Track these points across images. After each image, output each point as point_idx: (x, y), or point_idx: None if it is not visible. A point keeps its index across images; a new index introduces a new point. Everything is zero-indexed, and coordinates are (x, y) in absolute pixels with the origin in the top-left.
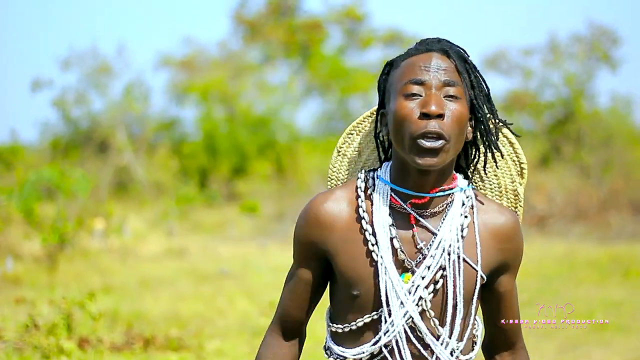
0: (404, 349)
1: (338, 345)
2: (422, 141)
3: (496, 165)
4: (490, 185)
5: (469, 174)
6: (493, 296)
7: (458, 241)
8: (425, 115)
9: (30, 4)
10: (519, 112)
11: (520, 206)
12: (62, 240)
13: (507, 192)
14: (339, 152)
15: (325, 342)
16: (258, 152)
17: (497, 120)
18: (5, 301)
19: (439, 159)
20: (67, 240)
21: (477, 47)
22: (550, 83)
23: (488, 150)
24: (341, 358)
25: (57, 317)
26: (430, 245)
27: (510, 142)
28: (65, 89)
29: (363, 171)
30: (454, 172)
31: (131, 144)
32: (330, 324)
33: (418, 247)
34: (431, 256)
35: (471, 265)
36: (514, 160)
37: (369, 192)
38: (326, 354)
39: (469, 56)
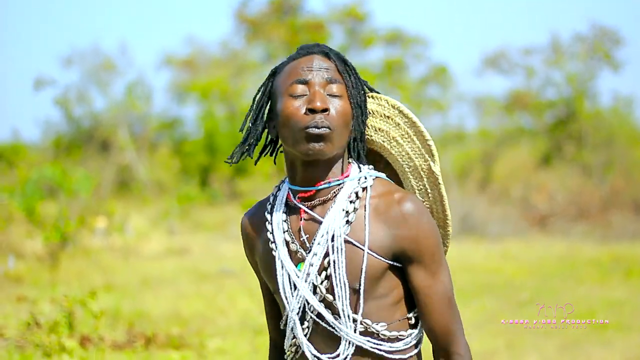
0: (298, 335)
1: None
2: (311, 129)
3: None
4: (409, 167)
5: (361, 164)
6: (413, 292)
7: (342, 226)
8: (311, 111)
9: (33, 3)
10: (520, 111)
11: (440, 183)
12: (63, 239)
13: (423, 172)
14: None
15: None
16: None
17: (364, 124)
18: (7, 299)
19: (326, 146)
20: (69, 239)
21: (478, 47)
22: (552, 82)
23: (360, 141)
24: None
25: (58, 315)
26: (317, 232)
27: (412, 122)
28: (67, 88)
29: (279, 183)
30: (352, 162)
31: (133, 142)
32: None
33: (306, 237)
34: (318, 243)
35: (359, 247)
36: (419, 139)
37: (277, 195)
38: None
39: (347, 59)
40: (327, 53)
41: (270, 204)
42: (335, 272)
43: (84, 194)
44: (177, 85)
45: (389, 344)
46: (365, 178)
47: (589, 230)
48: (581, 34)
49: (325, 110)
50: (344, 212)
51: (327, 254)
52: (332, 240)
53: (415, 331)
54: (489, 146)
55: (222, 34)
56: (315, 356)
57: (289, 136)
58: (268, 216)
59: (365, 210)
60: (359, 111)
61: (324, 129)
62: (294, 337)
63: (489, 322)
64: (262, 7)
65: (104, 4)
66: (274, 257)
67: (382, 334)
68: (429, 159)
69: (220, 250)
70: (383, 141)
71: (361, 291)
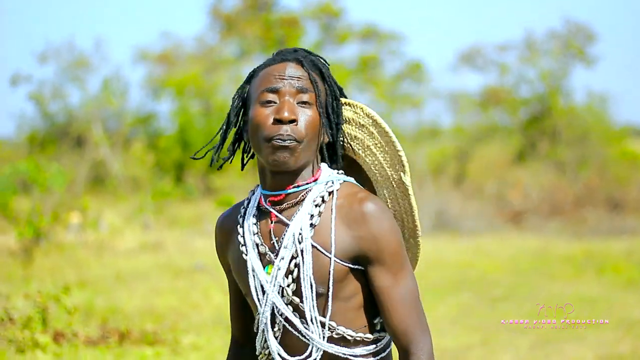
0: (269, 339)
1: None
2: (276, 141)
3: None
4: (382, 177)
5: (336, 169)
6: (375, 294)
7: (306, 230)
8: (279, 121)
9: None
10: (495, 108)
11: (410, 195)
12: (37, 234)
13: (394, 182)
14: None
15: None
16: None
17: (338, 131)
18: None
19: (292, 158)
20: (43, 235)
21: (453, 43)
22: (526, 79)
23: (336, 147)
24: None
25: (32, 311)
26: (284, 236)
27: (384, 132)
28: (41, 83)
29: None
30: (322, 167)
31: (107, 138)
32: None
33: (275, 240)
34: (284, 247)
35: (322, 252)
36: (391, 150)
37: (251, 199)
38: None
39: (325, 64)
40: (300, 60)
41: (244, 207)
42: (301, 275)
43: (57, 190)
44: (152, 80)
45: (354, 348)
46: (333, 182)
47: (562, 226)
48: (555, 31)
49: (293, 121)
50: (309, 215)
51: (293, 257)
52: (299, 243)
53: (383, 335)
54: (464, 142)
55: (197, 30)
56: (283, 358)
57: (256, 144)
58: (240, 219)
59: (331, 214)
60: (330, 118)
61: (290, 141)
62: (266, 340)
63: (464, 318)
64: (236, 2)
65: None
66: (244, 260)
67: (347, 336)
68: (400, 169)
69: (194, 246)
70: (358, 149)
71: (329, 294)
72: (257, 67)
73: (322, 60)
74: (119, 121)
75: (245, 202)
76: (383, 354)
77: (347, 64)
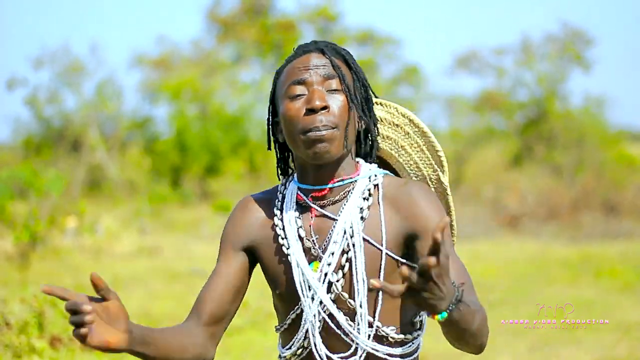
0: (314, 338)
1: (282, 347)
2: (312, 133)
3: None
4: (416, 177)
5: (370, 161)
6: None
7: (357, 223)
8: (311, 111)
9: (4, 3)
10: (491, 111)
11: (448, 194)
12: (34, 239)
13: (432, 182)
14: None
15: None
16: (231, 151)
17: (370, 114)
18: None
19: (332, 147)
20: (39, 239)
21: (449, 47)
22: (522, 83)
23: (366, 136)
24: (283, 358)
25: (28, 316)
26: (332, 231)
27: (422, 132)
28: (37, 87)
29: (285, 178)
30: (359, 161)
31: (104, 142)
32: (276, 328)
33: (316, 237)
34: (334, 242)
35: (375, 245)
36: (429, 150)
37: (284, 193)
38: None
39: (348, 52)
40: (322, 49)
41: (279, 200)
42: (353, 270)
43: (55, 194)
44: (148, 84)
45: (395, 348)
46: (376, 175)
47: (559, 230)
48: (552, 34)
49: (325, 108)
50: (359, 209)
51: (342, 253)
52: (351, 237)
53: (420, 334)
54: (460, 146)
55: (193, 34)
56: (328, 357)
57: (292, 140)
58: (277, 212)
59: (379, 206)
60: (358, 102)
61: (326, 130)
62: (305, 338)
63: None
64: (233, 6)
65: (76, 4)
66: (284, 254)
67: (391, 337)
68: (439, 169)
69: (191, 250)
70: (390, 149)
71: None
72: (280, 67)
73: (344, 49)
74: (116, 125)
75: (278, 194)
76: (416, 354)
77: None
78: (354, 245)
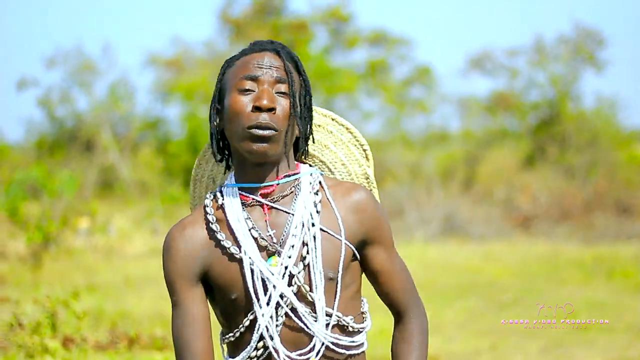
0: (271, 340)
1: (230, 357)
2: (255, 130)
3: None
4: (341, 175)
5: (309, 163)
6: (374, 274)
7: (315, 215)
8: (257, 109)
9: (16, 3)
10: (504, 112)
11: (374, 187)
12: (46, 239)
13: (357, 177)
14: (194, 181)
15: None
16: None
17: (308, 122)
18: None
19: (271, 147)
20: (52, 239)
21: (462, 48)
22: (535, 84)
23: (304, 141)
24: None
25: (41, 316)
26: (289, 224)
27: (347, 129)
28: (50, 88)
29: (210, 193)
30: (297, 162)
31: (116, 143)
32: (222, 340)
33: (272, 232)
34: (293, 235)
35: (334, 236)
36: (355, 145)
37: (219, 202)
38: None
39: (298, 59)
40: (278, 51)
41: (210, 215)
42: (311, 262)
43: (68, 196)
44: (161, 85)
45: (354, 337)
46: (316, 174)
47: (572, 231)
48: (565, 35)
49: (272, 109)
50: (313, 203)
51: (303, 244)
52: (309, 230)
53: (365, 326)
54: (473, 147)
55: (206, 35)
56: (287, 356)
57: (234, 133)
58: (215, 225)
59: (330, 203)
60: (299, 110)
61: (269, 130)
62: (260, 340)
63: (472, 323)
64: (245, 7)
65: (88, 4)
66: (234, 259)
67: (350, 327)
68: (364, 163)
69: None
70: (313, 150)
71: (338, 279)
72: (233, 57)
73: (296, 55)
74: (128, 126)
75: (206, 209)
76: (364, 347)
77: (356, 68)
78: (314, 237)
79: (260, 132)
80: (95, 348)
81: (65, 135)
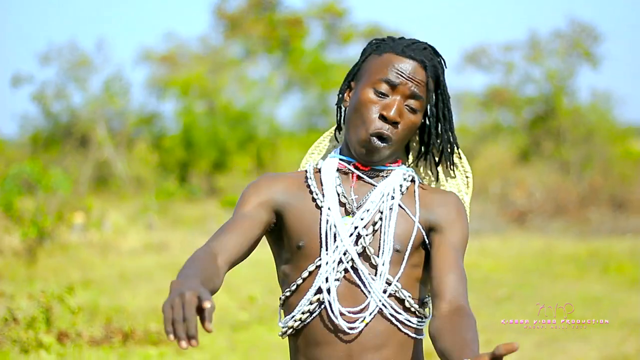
0: (328, 294)
1: (283, 320)
2: (374, 139)
3: (448, 177)
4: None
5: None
6: (438, 259)
7: (397, 190)
8: (383, 118)
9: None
10: (499, 107)
11: (467, 214)
12: (41, 235)
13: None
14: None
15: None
16: (238, 147)
17: (452, 138)
18: None
19: (380, 154)
20: (47, 235)
21: (458, 43)
22: (531, 79)
23: (441, 164)
24: (287, 328)
25: (36, 311)
26: (370, 193)
27: (457, 154)
28: (44, 84)
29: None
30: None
31: (111, 138)
32: (282, 294)
33: (355, 197)
34: (371, 201)
35: (409, 215)
36: (460, 171)
37: (318, 167)
38: (281, 336)
39: (444, 69)
40: (425, 65)
41: (308, 176)
42: (383, 229)
43: (62, 190)
44: (155, 80)
45: (410, 317)
46: (411, 171)
47: (566, 226)
48: (560, 31)
49: (397, 123)
50: (399, 183)
51: (377, 212)
52: (389, 201)
53: (426, 314)
54: (468, 142)
55: (201, 30)
56: (340, 312)
57: (354, 126)
58: (312, 176)
59: (415, 193)
60: (439, 124)
61: (384, 143)
62: (316, 293)
63: None
64: (240, 3)
65: (82, 0)
66: (314, 209)
67: (407, 302)
68: (463, 189)
69: (198, 246)
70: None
71: (406, 254)
72: (385, 43)
73: (442, 65)
74: (123, 121)
75: (307, 173)
76: (422, 335)
77: (351, 63)
78: (390, 208)
79: (378, 142)
80: (90, 343)
81: (60, 131)
